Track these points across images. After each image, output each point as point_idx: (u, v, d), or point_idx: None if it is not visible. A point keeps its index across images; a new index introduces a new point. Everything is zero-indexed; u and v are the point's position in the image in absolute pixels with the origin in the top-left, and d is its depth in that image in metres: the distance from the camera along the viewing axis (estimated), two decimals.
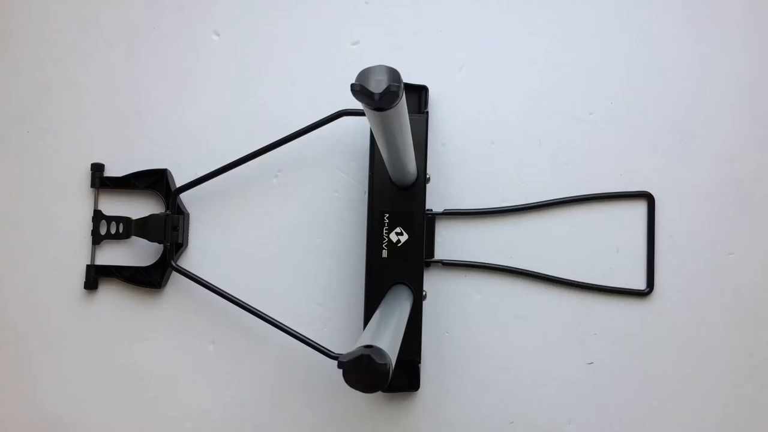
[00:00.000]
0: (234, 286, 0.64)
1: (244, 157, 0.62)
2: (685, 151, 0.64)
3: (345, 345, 0.64)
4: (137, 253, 0.66)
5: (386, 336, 0.42)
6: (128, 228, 0.65)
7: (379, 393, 0.64)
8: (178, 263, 0.64)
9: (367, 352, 0.37)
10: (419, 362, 0.62)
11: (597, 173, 0.64)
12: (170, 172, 0.66)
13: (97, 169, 0.66)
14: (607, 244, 0.64)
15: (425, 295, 0.62)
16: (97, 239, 0.66)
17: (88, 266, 0.66)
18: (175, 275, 0.65)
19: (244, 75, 0.66)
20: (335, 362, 0.55)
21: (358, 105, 0.61)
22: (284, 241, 0.65)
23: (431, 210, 0.64)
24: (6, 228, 0.67)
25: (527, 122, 0.65)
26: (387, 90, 0.36)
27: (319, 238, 0.65)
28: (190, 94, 0.67)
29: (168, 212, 0.64)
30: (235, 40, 0.67)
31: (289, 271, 0.65)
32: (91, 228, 0.66)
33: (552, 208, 0.64)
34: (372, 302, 0.60)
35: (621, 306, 0.63)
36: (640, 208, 0.64)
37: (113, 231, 0.66)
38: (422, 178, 0.61)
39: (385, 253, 0.61)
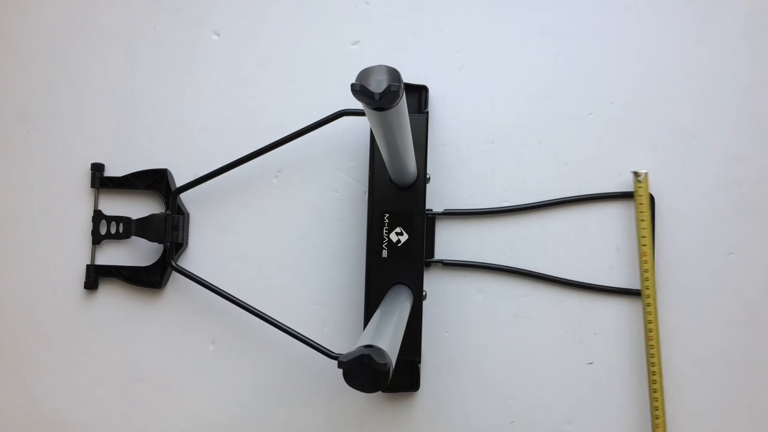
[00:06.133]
0: (234, 286, 0.64)
1: (244, 157, 0.62)
2: (685, 151, 0.64)
3: (345, 345, 0.64)
4: (137, 253, 0.66)
5: (386, 336, 0.42)
6: (128, 228, 0.65)
7: (379, 393, 0.64)
8: (178, 263, 0.64)
9: (367, 352, 0.37)
10: (419, 362, 0.62)
11: (597, 173, 0.64)
12: (170, 172, 0.66)
13: (97, 169, 0.66)
14: (607, 244, 0.64)
15: (425, 295, 0.62)
16: (97, 239, 0.66)
17: (88, 266, 0.66)
18: (175, 275, 0.65)
19: (244, 75, 0.66)
20: (335, 362, 0.55)
21: (358, 105, 0.62)
22: (284, 241, 0.65)
23: (431, 210, 0.64)
24: (6, 228, 0.67)
25: (527, 122, 0.65)
26: (387, 90, 0.36)
27: (319, 238, 0.65)
28: (190, 94, 0.67)
29: (168, 212, 0.64)
30: (235, 40, 0.67)
31: (289, 271, 0.65)
32: (91, 228, 0.66)
33: (552, 208, 0.64)
34: (372, 302, 0.60)
35: (621, 306, 0.63)
36: None
37: (113, 231, 0.66)
38: (422, 178, 0.61)
39: (385, 253, 0.61)
